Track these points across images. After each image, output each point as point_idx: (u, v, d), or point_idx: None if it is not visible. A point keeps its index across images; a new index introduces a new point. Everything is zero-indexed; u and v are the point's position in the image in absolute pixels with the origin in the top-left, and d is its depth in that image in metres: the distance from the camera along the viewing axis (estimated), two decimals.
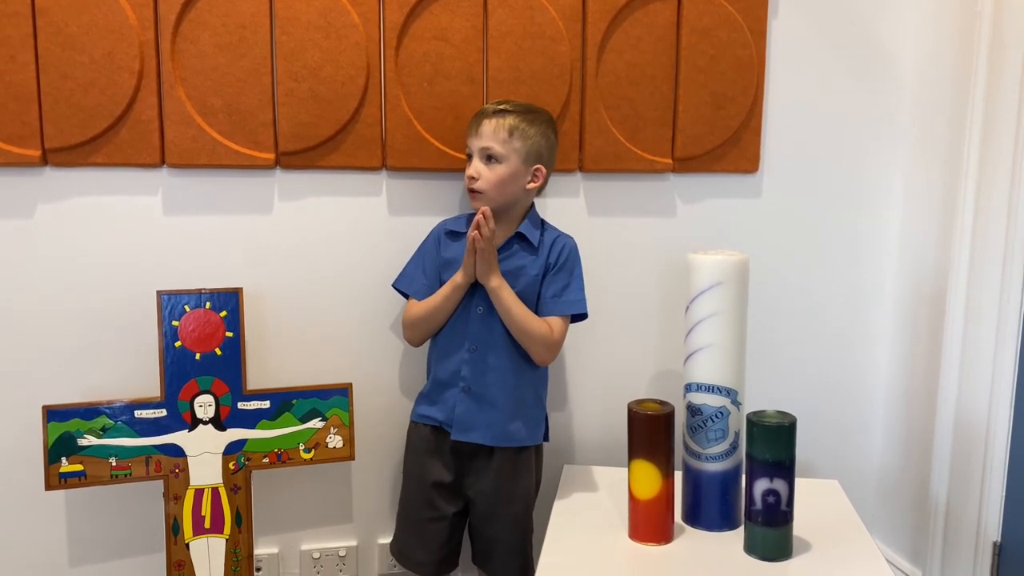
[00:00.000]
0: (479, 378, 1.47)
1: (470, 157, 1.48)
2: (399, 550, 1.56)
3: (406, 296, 1.55)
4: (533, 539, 1.52)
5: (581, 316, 1.52)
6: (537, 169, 1.48)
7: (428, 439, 1.51)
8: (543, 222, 1.55)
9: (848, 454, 1.84)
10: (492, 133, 1.44)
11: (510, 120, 1.44)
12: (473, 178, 1.45)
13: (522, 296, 1.45)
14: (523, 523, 1.51)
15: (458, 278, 1.44)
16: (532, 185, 1.49)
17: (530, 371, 1.50)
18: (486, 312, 1.46)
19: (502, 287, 1.43)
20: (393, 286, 1.55)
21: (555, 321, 1.48)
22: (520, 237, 1.49)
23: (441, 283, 1.49)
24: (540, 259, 1.49)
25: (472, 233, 1.37)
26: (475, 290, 1.46)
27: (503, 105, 1.47)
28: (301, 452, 1.51)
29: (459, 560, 1.58)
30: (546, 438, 1.58)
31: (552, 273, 1.49)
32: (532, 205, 1.53)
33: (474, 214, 1.49)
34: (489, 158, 1.45)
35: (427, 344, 1.55)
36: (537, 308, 1.48)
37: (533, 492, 1.55)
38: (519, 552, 1.51)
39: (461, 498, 1.52)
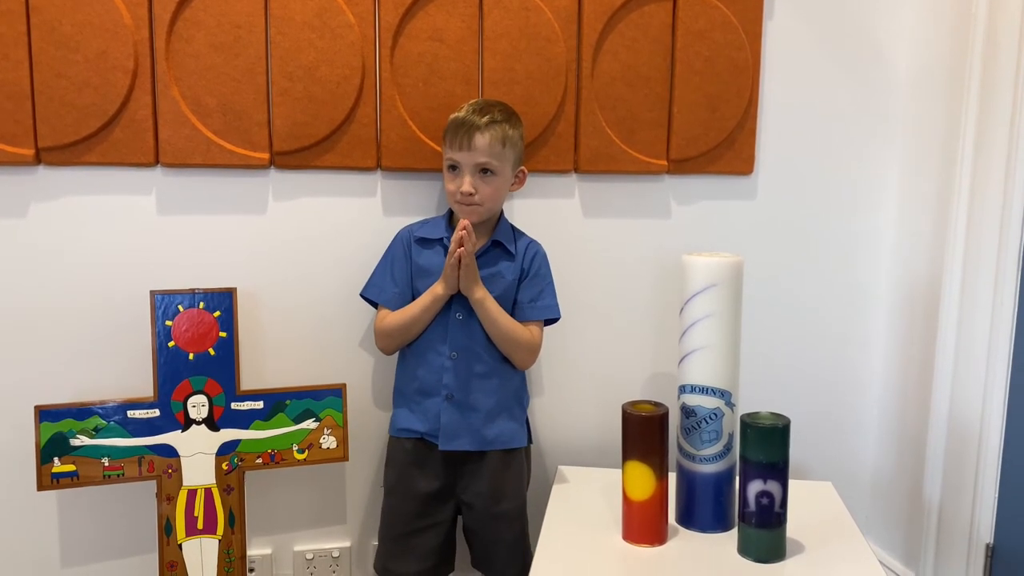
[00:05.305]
0: (462, 385, 1.46)
1: (453, 168, 1.45)
2: (385, 566, 1.52)
3: (375, 305, 1.53)
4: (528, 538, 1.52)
5: (553, 320, 1.53)
6: (520, 171, 1.49)
7: (413, 451, 1.50)
8: (512, 227, 1.54)
9: (842, 456, 1.85)
10: (488, 147, 1.41)
11: (501, 130, 1.42)
12: (471, 194, 1.42)
13: (499, 301, 1.45)
14: (519, 520, 1.51)
15: (439, 289, 1.43)
16: (516, 187, 1.51)
17: (510, 374, 1.50)
18: (466, 318, 1.45)
19: (486, 298, 1.43)
20: (362, 295, 1.53)
21: (534, 326, 1.49)
22: (497, 244, 1.49)
23: (414, 290, 1.48)
24: (516, 264, 1.49)
25: (458, 249, 1.36)
26: (454, 297, 1.44)
27: (489, 114, 1.42)
28: (295, 453, 1.50)
29: (455, 564, 1.57)
30: (530, 440, 1.58)
31: (527, 279, 1.50)
32: (502, 210, 1.53)
33: (442, 219, 1.50)
34: (484, 171, 1.43)
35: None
36: (513, 313, 1.48)
37: (525, 489, 1.54)
38: (518, 550, 1.50)
39: (453, 502, 1.52)
